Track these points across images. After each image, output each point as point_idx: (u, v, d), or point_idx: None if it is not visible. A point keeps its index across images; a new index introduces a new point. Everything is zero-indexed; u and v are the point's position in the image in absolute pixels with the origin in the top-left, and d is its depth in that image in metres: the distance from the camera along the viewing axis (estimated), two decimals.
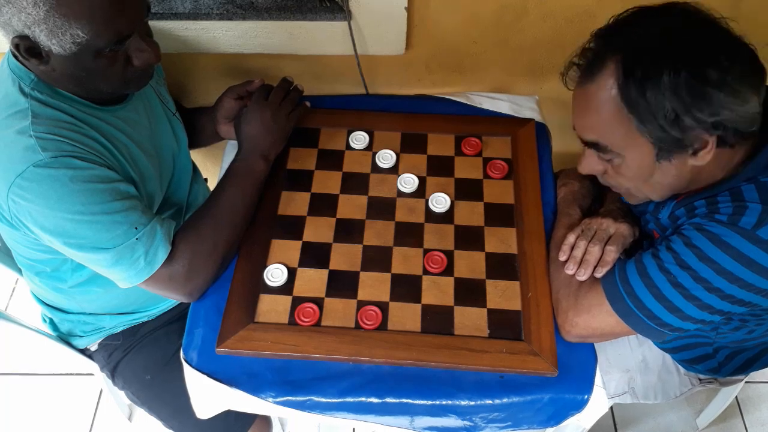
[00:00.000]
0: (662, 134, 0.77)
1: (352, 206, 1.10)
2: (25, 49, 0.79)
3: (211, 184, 1.33)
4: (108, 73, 0.85)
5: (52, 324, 1.16)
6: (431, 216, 1.09)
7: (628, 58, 0.76)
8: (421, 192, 1.12)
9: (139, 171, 0.97)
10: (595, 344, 0.96)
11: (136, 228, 0.88)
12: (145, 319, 1.15)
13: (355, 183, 1.14)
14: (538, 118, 1.24)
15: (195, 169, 1.25)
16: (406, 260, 1.03)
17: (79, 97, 0.89)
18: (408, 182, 1.13)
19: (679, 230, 0.86)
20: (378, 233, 1.07)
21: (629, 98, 0.76)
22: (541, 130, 1.22)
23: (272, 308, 0.98)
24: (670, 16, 0.78)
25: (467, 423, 0.94)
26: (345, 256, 1.04)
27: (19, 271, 1.15)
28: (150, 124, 1.04)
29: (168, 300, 1.16)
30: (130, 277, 0.91)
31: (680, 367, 1.13)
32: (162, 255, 0.92)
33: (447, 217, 1.09)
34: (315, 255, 1.04)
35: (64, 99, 0.88)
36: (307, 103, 1.19)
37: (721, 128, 0.76)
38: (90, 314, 1.12)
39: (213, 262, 0.98)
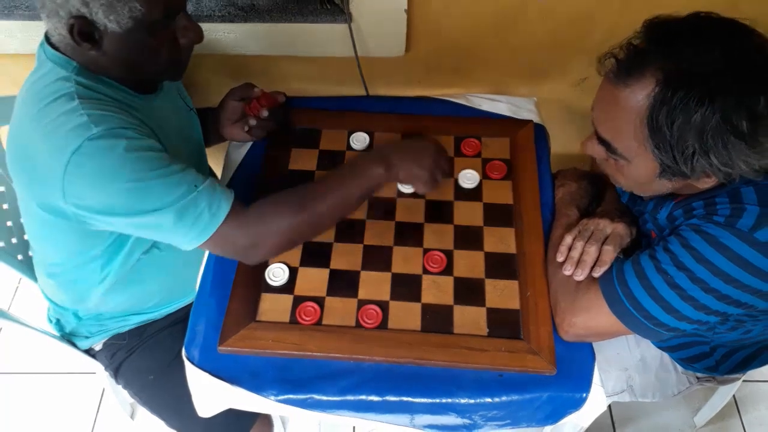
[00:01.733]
0: (672, 164, 0.77)
1: None
2: (79, 31, 0.81)
3: None
4: (156, 52, 0.87)
5: (58, 324, 1.17)
6: (431, 216, 1.10)
7: (671, 79, 0.72)
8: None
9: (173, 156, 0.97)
10: (594, 343, 0.97)
11: (195, 186, 0.86)
12: (154, 319, 1.16)
13: None
14: (536, 119, 1.25)
15: (210, 170, 1.26)
16: (406, 260, 1.04)
17: (120, 84, 0.91)
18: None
19: (676, 231, 0.86)
20: (378, 233, 1.07)
21: (654, 121, 0.74)
22: (539, 132, 1.22)
23: (273, 307, 0.99)
24: (731, 41, 0.72)
25: (467, 421, 0.95)
26: (345, 256, 1.05)
27: (24, 270, 1.16)
28: (175, 115, 1.05)
29: (180, 299, 1.16)
30: (197, 234, 0.87)
31: (678, 365, 1.14)
32: (226, 206, 0.87)
33: (447, 216, 1.09)
34: (316, 254, 1.05)
35: (106, 85, 0.89)
36: (282, 96, 1.17)
37: (728, 173, 0.75)
38: (102, 315, 1.13)
39: (281, 236, 0.91)
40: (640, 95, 0.75)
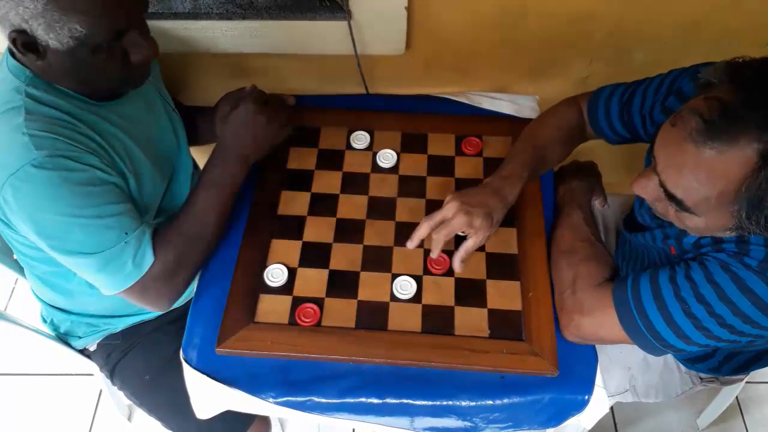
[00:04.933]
0: (759, 230, 0.71)
1: (352, 206, 1.10)
2: (23, 43, 0.79)
3: None
4: (105, 68, 0.85)
5: (52, 324, 1.16)
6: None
7: None
8: (421, 192, 1.12)
9: (135, 168, 0.96)
10: None
11: (126, 233, 0.88)
12: (146, 319, 1.15)
13: (355, 183, 1.13)
14: None
15: (197, 167, 1.25)
16: (406, 260, 1.03)
17: (75, 92, 0.89)
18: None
19: (702, 259, 0.83)
20: (378, 233, 1.06)
21: (757, 197, 0.68)
22: None
23: (272, 308, 0.98)
24: None
25: (468, 423, 0.94)
26: (345, 256, 1.04)
27: (20, 270, 1.15)
28: (149, 120, 1.03)
29: None
30: (116, 282, 0.90)
31: (681, 365, 1.13)
32: (149, 258, 0.91)
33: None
34: (315, 255, 1.04)
35: (61, 95, 0.87)
36: (292, 98, 1.18)
37: None
38: (92, 315, 1.12)
39: (185, 273, 0.97)
40: (733, 165, 0.67)
